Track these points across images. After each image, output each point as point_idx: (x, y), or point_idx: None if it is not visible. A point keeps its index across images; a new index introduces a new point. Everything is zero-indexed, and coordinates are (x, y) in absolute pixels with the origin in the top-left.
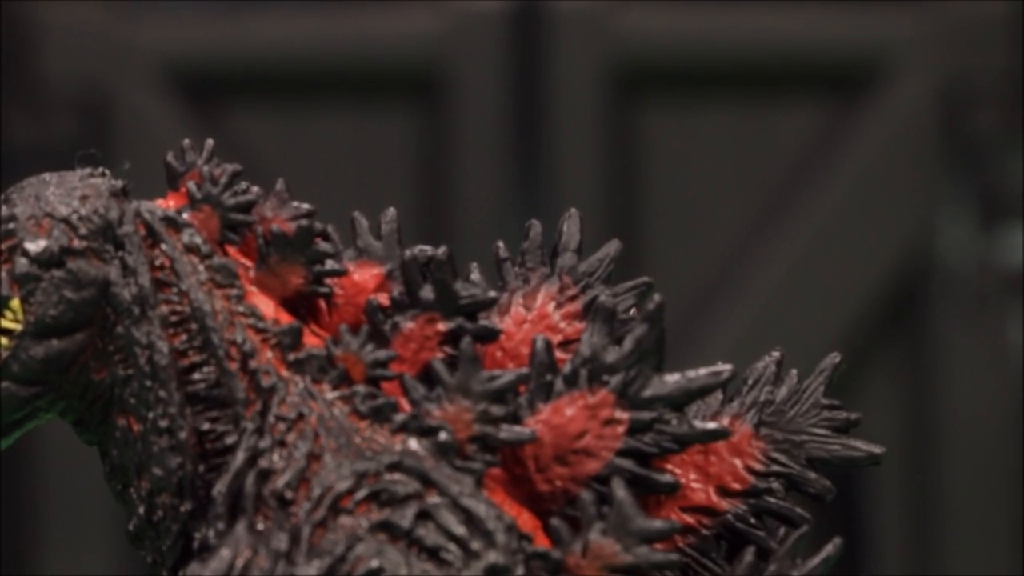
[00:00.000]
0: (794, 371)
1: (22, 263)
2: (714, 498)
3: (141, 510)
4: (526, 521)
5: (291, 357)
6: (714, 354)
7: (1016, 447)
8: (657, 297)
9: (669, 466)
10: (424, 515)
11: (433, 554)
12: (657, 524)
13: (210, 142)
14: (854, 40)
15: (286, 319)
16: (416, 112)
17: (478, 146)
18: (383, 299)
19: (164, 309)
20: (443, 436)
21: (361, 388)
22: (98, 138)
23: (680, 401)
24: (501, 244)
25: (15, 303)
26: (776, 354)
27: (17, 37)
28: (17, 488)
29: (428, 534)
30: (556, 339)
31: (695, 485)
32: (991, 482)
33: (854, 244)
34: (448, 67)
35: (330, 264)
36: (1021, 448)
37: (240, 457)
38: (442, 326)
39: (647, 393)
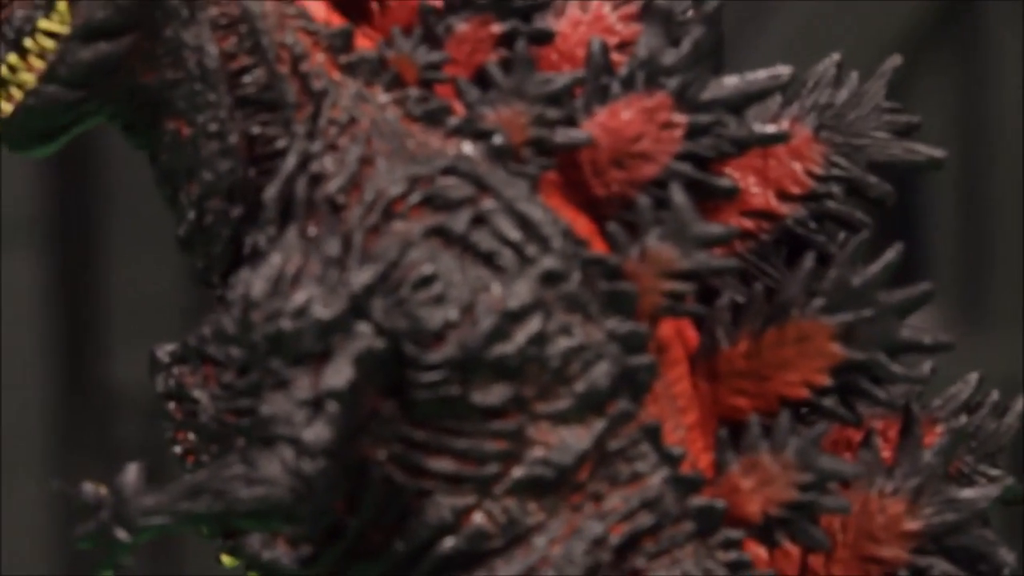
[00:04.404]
0: (854, 73)
1: None
2: (773, 202)
3: (191, 215)
4: (582, 226)
5: (343, 60)
6: (770, 57)
7: None
8: None
9: (728, 170)
10: (479, 220)
11: (487, 259)
12: (716, 229)
13: None
14: None
15: (337, 21)
16: None
17: None
18: (436, 0)
19: (213, 11)
20: (497, 139)
21: (414, 91)
22: None
23: (739, 104)
24: None
25: (62, 5)
26: (836, 56)
27: None
28: (81, 192)
29: (483, 239)
30: (612, 41)
31: (754, 189)
32: None
33: None
34: None
35: None
36: None
37: (291, 161)
38: (496, 28)
39: (705, 96)
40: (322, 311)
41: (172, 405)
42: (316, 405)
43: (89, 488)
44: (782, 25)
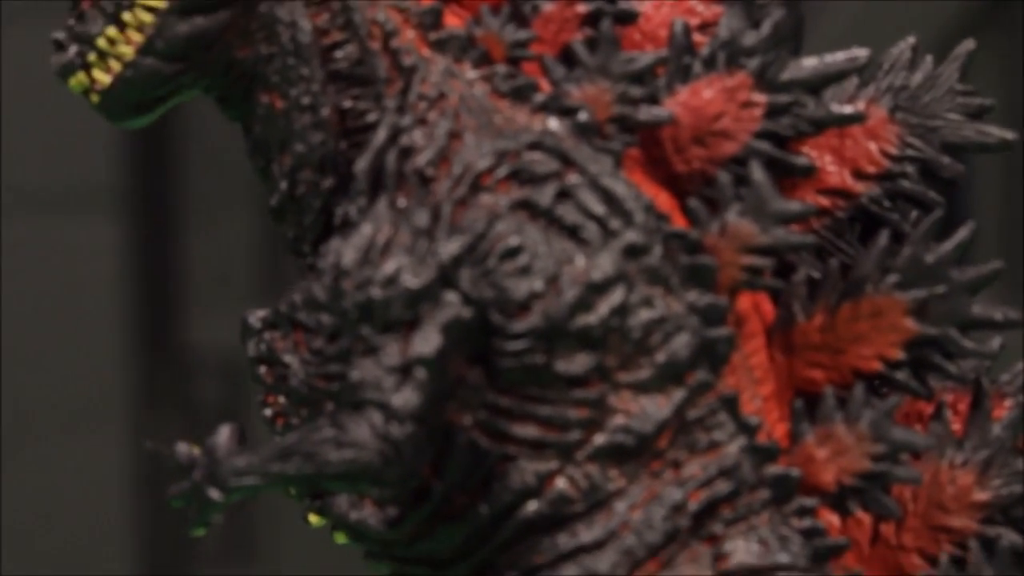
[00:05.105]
0: (929, 56)
1: None
2: (849, 181)
3: (283, 186)
4: (663, 201)
5: (432, 37)
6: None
7: None
8: None
9: (805, 149)
10: (564, 194)
11: (572, 232)
12: (794, 206)
13: None
14: None
15: (427, 0)
16: None
17: None
18: None
19: None
20: (582, 116)
21: (501, 68)
22: None
23: (817, 84)
24: None
25: None
26: (911, 39)
27: None
28: (161, 158)
29: (567, 213)
30: (694, 22)
31: (831, 168)
32: None
33: None
34: None
35: None
36: None
37: (382, 134)
38: (582, 7)
39: (785, 76)
40: (411, 280)
41: (263, 369)
42: (405, 371)
43: (183, 448)
44: (827, 24)
